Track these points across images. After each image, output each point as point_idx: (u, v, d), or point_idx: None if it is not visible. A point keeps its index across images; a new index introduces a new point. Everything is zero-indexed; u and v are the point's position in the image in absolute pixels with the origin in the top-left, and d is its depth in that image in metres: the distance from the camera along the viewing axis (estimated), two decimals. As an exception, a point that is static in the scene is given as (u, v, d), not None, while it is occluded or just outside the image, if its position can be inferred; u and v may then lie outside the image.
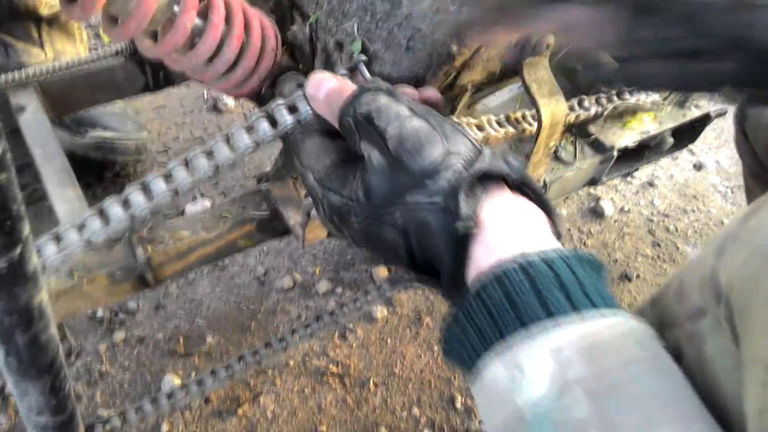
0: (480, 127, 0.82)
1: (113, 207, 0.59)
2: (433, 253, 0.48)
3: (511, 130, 0.86)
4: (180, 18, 0.74)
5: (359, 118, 0.51)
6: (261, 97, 0.95)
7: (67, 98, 1.01)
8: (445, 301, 0.52)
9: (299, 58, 0.93)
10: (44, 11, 1.27)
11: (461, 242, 0.46)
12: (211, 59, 0.81)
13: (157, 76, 1.07)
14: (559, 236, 0.50)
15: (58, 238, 0.58)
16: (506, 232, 0.47)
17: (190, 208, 1.43)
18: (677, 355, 0.48)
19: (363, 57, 0.59)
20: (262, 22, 0.85)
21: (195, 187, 0.64)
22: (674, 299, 0.51)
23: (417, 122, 0.50)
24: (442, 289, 0.50)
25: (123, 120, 1.40)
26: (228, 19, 0.80)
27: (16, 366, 0.45)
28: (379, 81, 0.56)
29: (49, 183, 0.82)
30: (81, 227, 0.58)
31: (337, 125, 0.55)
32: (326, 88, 0.56)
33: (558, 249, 0.46)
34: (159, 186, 0.60)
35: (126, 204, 0.60)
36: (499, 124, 0.86)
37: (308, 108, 0.59)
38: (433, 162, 0.48)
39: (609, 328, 0.42)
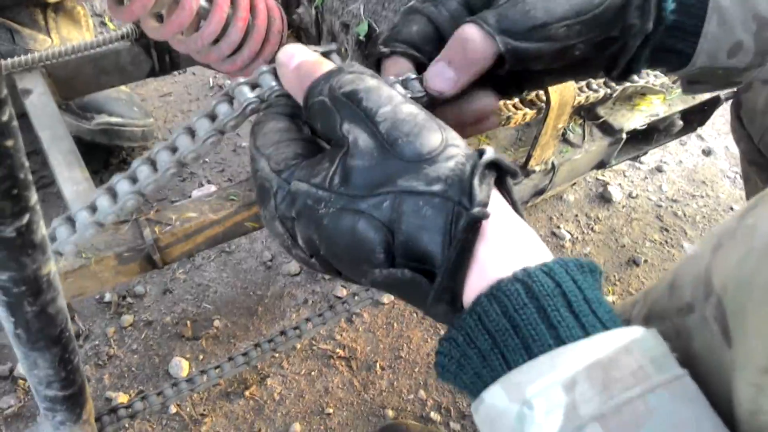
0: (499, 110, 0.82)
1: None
2: (422, 251, 0.43)
3: (529, 111, 0.85)
4: (186, -2, 0.74)
5: (340, 97, 0.46)
6: (267, 80, 0.95)
7: (74, 82, 1.01)
8: (426, 315, 0.46)
9: (305, 41, 0.93)
10: None
11: (468, 238, 0.41)
12: (217, 41, 0.81)
13: (163, 61, 1.07)
14: None
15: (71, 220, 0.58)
16: (509, 241, 0.43)
17: (197, 194, 1.44)
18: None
19: (334, 46, 0.55)
20: (267, 3, 0.85)
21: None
22: (666, 292, 0.50)
23: (412, 108, 0.46)
24: (429, 295, 0.43)
25: (129, 106, 1.40)
26: (233, 1, 0.80)
27: (25, 337, 0.45)
28: (361, 66, 0.50)
29: (56, 165, 0.83)
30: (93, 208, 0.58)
31: (302, 104, 0.49)
32: (300, 58, 0.50)
33: (558, 258, 0.42)
34: (125, 186, 0.58)
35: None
36: (515, 106, 0.85)
37: (273, 84, 0.53)
38: (432, 150, 0.43)
39: (623, 350, 0.39)
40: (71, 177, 0.82)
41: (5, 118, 0.33)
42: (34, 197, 0.37)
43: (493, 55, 0.53)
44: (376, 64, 0.58)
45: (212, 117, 0.55)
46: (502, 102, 0.79)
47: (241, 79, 0.54)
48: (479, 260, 0.42)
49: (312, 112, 0.48)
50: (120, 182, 0.57)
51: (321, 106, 0.46)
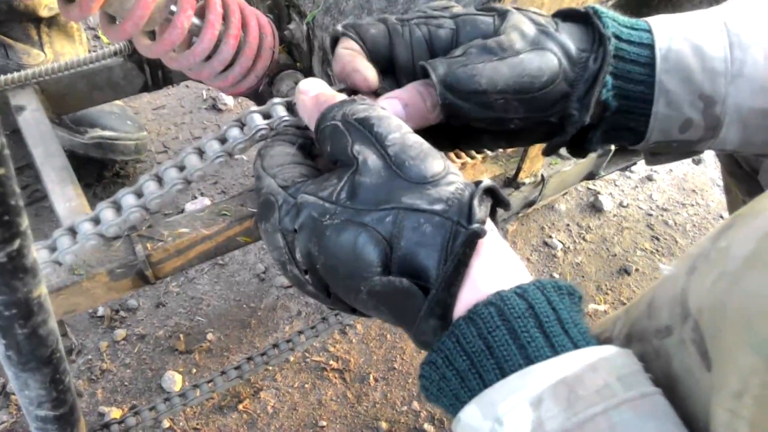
0: (458, 156, 0.83)
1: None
2: (418, 266, 0.46)
3: (489, 153, 0.87)
4: (177, 17, 0.75)
5: (353, 122, 0.50)
6: (259, 95, 0.95)
7: (67, 98, 1.01)
8: (413, 336, 0.48)
9: (297, 56, 0.94)
10: (43, 12, 1.27)
11: (465, 252, 0.44)
12: (209, 58, 0.82)
13: (156, 76, 1.08)
14: None
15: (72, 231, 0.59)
16: (493, 268, 0.46)
17: (190, 207, 1.44)
18: (645, 371, 0.49)
19: (343, 85, 0.59)
20: (259, 20, 0.86)
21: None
22: (645, 313, 0.51)
23: (418, 137, 0.50)
24: (421, 309, 0.45)
25: (122, 120, 1.41)
26: (225, 18, 0.80)
27: (15, 359, 0.45)
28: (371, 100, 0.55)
29: (49, 181, 0.83)
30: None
31: (314, 127, 0.53)
32: (319, 90, 0.55)
33: (536, 279, 0.45)
34: (130, 200, 0.59)
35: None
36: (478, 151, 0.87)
37: (283, 115, 0.57)
38: (436, 174, 0.47)
39: (589, 368, 0.41)
40: (64, 193, 0.82)
41: (-4, 146, 0.33)
42: (25, 223, 0.38)
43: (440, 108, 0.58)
44: (332, 42, 0.62)
45: (222, 140, 0.58)
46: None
47: (253, 108, 0.57)
48: (472, 276, 0.45)
49: (324, 134, 0.51)
50: (125, 196, 0.58)
51: (333, 129, 0.50)
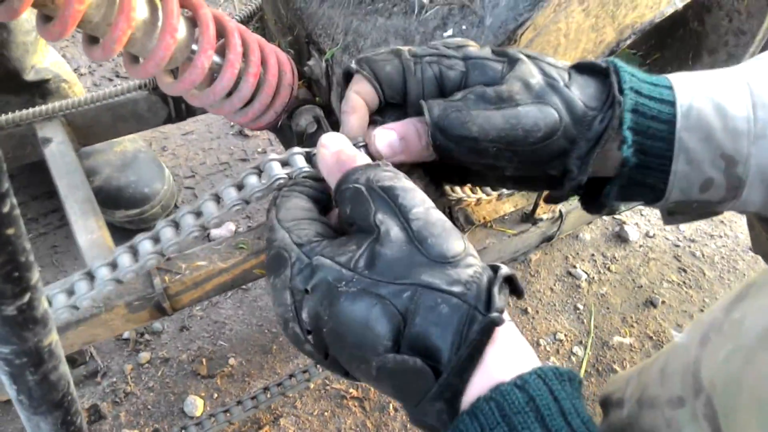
0: (473, 191, 0.83)
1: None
2: (430, 346, 0.45)
3: (505, 191, 0.87)
4: (198, 57, 0.77)
5: (377, 189, 0.50)
6: (279, 129, 0.97)
7: (92, 130, 1.04)
8: (412, 415, 0.48)
9: (316, 92, 0.96)
10: (30, 76, 1.28)
11: (482, 339, 0.44)
12: (229, 94, 0.83)
13: (180, 108, 1.10)
14: None
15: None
16: (507, 355, 0.46)
17: (216, 232, 1.46)
18: None
19: (362, 140, 0.60)
20: (278, 58, 0.88)
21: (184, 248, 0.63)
22: (657, 380, 0.51)
23: (440, 215, 0.50)
24: (431, 390, 0.45)
25: (149, 172, 1.42)
26: (245, 56, 0.82)
27: (27, 403, 0.47)
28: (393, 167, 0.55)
29: (72, 213, 0.85)
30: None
31: (335, 186, 0.53)
32: (341, 146, 0.55)
33: (537, 368, 0.44)
34: (147, 246, 0.61)
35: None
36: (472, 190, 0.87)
37: (302, 166, 0.58)
38: (456, 254, 0.47)
39: None
40: (86, 226, 0.84)
41: (6, 209, 0.34)
42: (35, 277, 0.39)
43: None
44: (345, 76, 0.64)
45: (239, 187, 0.59)
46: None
47: (272, 155, 0.58)
48: (486, 363, 0.45)
49: (344, 195, 0.52)
50: (142, 242, 0.60)
51: (356, 192, 0.51)
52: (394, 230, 0.48)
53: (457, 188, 0.74)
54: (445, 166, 0.64)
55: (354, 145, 0.59)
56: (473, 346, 0.44)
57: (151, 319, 0.83)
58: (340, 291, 0.47)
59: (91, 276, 0.61)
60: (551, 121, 0.56)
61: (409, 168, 0.63)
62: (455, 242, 0.48)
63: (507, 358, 0.45)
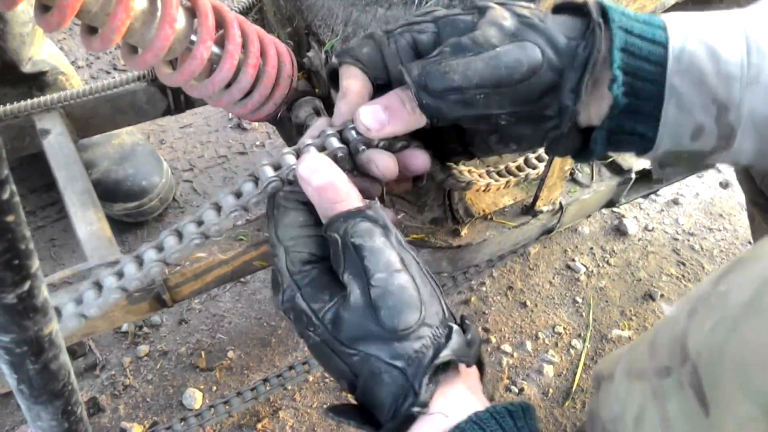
0: (482, 176, 0.83)
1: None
2: (376, 404, 0.51)
3: (512, 179, 0.86)
4: (197, 48, 0.76)
5: (349, 245, 0.52)
6: (278, 121, 0.96)
7: (91, 122, 1.04)
8: None
9: (316, 83, 0.95)
10: (27, 68, 1.27)
11: (409, 417, 0.50)
12: (228, 86, 0.83)
13: (179, 100, 1.10)
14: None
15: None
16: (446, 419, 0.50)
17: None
18: (642, 411, 0.49)
19: (351, 124, 0.60)
20: (278, 49, 0.87)
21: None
22: (647, 353, 0.52)
23: (404, 279, 0.52)
24: None
25: (147, 165, 1.42)
26: (244, 47, 0.82)
27: (27, 392, 0.46)
28: (377, 209, 0.56)
29: (71, 204, 0.85)
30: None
31: (324, 221, 0.56)
32: (322, 180, 0.56)
33: (473, 414, 0.50)
34: (151, 255, 0.62)
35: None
36: (500, 174, 0.87)
37: (292, 164, 0.58)
38: (407, 328, 0.50)
39: None
40: (85, 217, 0.84)
41: (6, 196, 0.34)
42: (35, 265, 0.39)
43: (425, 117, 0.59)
44: (330, 75, 0.65)
45: (237, 194, 0.60)
46: (467, 169, 0.82)
47: (265, 161, 0.59)
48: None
49: (329, 239, 0.55)
50: (147, 251, 0.61)
51: (334, 242, 0.54)
52: (355, 293, 0.52)
53: (466, 171, 0.74)
54: (442, 135, 0.64)
55: (344, 129, 0.59)
56: (398, 425, 0.50)
57: (151, 311, 0.83)
58: (308, 334, 0.54)
59: (99, 285, 0.63)
60: (534, 57, 0.55)
61: (408, 140, 0.63)
62: (409, 315, 0.51)
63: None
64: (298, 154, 0.59)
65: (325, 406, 1.24)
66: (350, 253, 0.52)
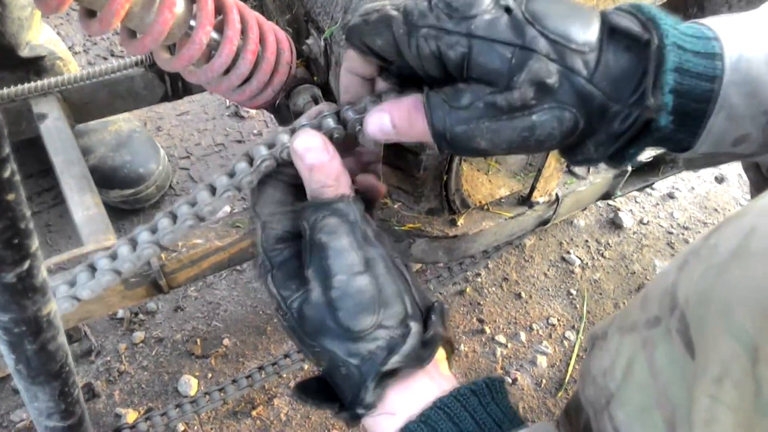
0: None
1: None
2: (337, 388, 0.55)
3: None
4: (196, 33, 0.76)
5: (314, 238, 0.53)
6: (276, 108, 0.96)
7: (88, 107, 1.03)
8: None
9: (314, 71, 0.95)
10: (24, 52, 1.26)
11: (357, 418, 0.53)
12: (227, 72, 0.83)
13: (176, 86, 1.10)
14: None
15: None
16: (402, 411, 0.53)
17: (210, 213, 1.46)
18: (631, 362, 0.50)
19: (355, 115, 0.59)
20: (277, 35, 0.87)
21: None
22: (638, 306, 0.53)
23: (364, 282, 0.53)
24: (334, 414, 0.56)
25: (145, 153, 1.42)
26: (243, 33, 0.82)
27: (25, 372, 0.47)
28: (351, 201, 0.56)
29: (68, 189, 0.85)
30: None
31: (309, 198, 0.56)
32: (315, 158, 0.55)
33: (437, 399, 0.53)
34: (145, 236, 0.62)
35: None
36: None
37: (285, 142, 0.57)
38: (362, 330, 0.52)
39: None
40: (82, 202, 0.84)
41: (7, 174, 0.34)
42: (35, 244, 0.39)
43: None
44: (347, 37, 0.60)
45: (231, 174, 0.59)
46: None
47: (259, 140, 0.60)
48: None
49: (300, 225, 0.56)
50: (141, 233, 0.61)
51: (304, 231, 0.55)
52: (316, 292, 0.53)
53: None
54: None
55: (341, 110, 0.58)
56: (352, 417, 0.53)
57: (148, 297, 0.83)
58: (280, 315, 0.56)
59: (92, 268, 0.62)
60: (568, 128, 0.51)
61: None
62: (365, 318, 0.52)
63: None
64: (293, 134, 0.58)
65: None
66: (315, 248, 0.53)
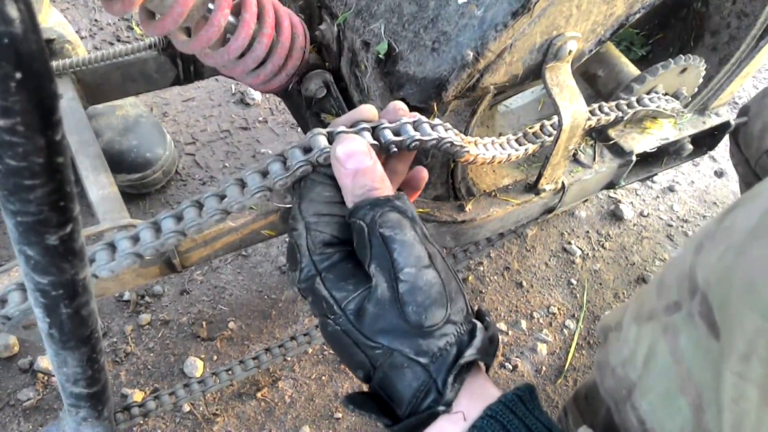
0: (502, 146, 0.84)
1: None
2: (394, 397, 0.51)
3: (531, 147, 0.87)
4: (214, 15, 0.77)
5: (376, 235, 0.51)
6: (288, 93, 0.98)
7: (102, 88, 1.04)
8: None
9: (326, 57, 0.96)
10: None
11: (427, 418, 0.50)
12: (242, 55, 0.84)
13: (188, 70, 1.11)
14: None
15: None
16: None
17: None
18: (652, 349, 0.51)
19: (366, 125, 0.58)
20: (291, 20, 0.88)
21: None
22: (654, 294, 0.54)
23: (432, 276, 0.51)
24: (387, 428, 0.52)
25: (151, 138, 1.42)
26: (259, 17, 0.83)
27: (58, 337, 0.48)
28: (405, 199, 0.55)
29: (83, 168, 0.86)
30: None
31: (348, 211, 0.54)
32: (359, 163, 0.54)
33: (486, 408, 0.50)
34: (169, 224, 0.62)
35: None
36: (518, 142, 0.88)
37: (323, 146, 0.56)
38: (434, 325, 0.50)
39: None
40: (97, 181, 0.85)
41: (58, 137, 0.36)
42: (77, 209, 0.40)
43: None
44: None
45: (264, 173, 0.58)
46: (505, 139, 0.83)
47: (295, 143, 0.57)
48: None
49: (353, 226, 0.53)
50: (165, 219, 0.60)
51: (360, 230, 0.52)
52: (382, 287, 0.51)
53: (473, 145, 0.75)
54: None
55: (377, 127, 0.58)
56: (421, 421, 0.50)
57: (161, 275, 0.84)
58: (328, 321, 0.53)
59: (113, 247, 0.62)
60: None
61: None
62: (436, 312, 0.50)
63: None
64: (329, 138, 0.57)
65: (342, 395, 1.26)
66: (378, 243, 0.51)
